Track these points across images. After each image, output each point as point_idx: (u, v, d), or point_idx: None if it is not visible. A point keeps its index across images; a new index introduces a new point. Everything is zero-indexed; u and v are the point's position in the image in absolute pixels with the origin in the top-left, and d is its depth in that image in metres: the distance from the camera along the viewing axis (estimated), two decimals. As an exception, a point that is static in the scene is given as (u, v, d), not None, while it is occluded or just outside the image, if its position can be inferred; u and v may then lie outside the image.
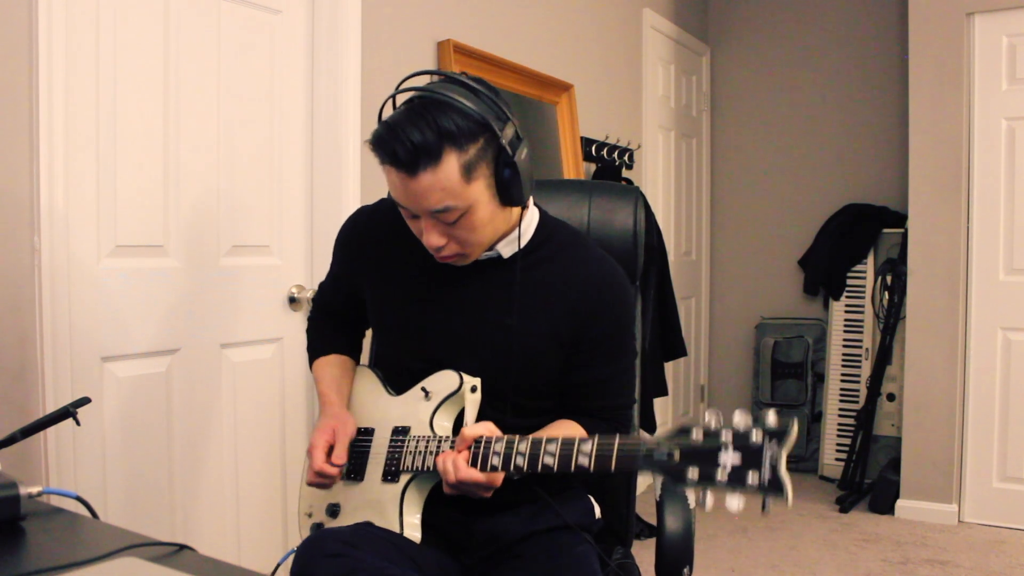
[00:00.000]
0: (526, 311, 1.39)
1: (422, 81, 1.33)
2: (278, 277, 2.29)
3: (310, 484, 1.44)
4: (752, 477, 1.03)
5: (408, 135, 1.22)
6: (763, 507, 1.03)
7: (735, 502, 1.04)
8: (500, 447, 1.26)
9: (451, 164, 1.24)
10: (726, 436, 1.06)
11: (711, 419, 1.09)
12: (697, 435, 1.07)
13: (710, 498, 1.07)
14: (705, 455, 1.07)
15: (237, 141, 2.15)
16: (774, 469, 1.03)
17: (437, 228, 1.31)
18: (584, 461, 1.20)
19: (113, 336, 1.88)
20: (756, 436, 1.04)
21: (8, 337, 1.66)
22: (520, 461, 1.24)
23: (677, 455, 1.08)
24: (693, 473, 1.07)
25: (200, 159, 2.06)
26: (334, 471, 1.40)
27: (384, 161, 1.27)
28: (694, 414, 4.67)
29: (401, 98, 1.32)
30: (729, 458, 1.05)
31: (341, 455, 1.41)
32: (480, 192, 1.29)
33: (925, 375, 3.63)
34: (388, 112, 1.31)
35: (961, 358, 3.59)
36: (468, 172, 1.26)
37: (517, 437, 1.26)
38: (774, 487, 1.03)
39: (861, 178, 4.43)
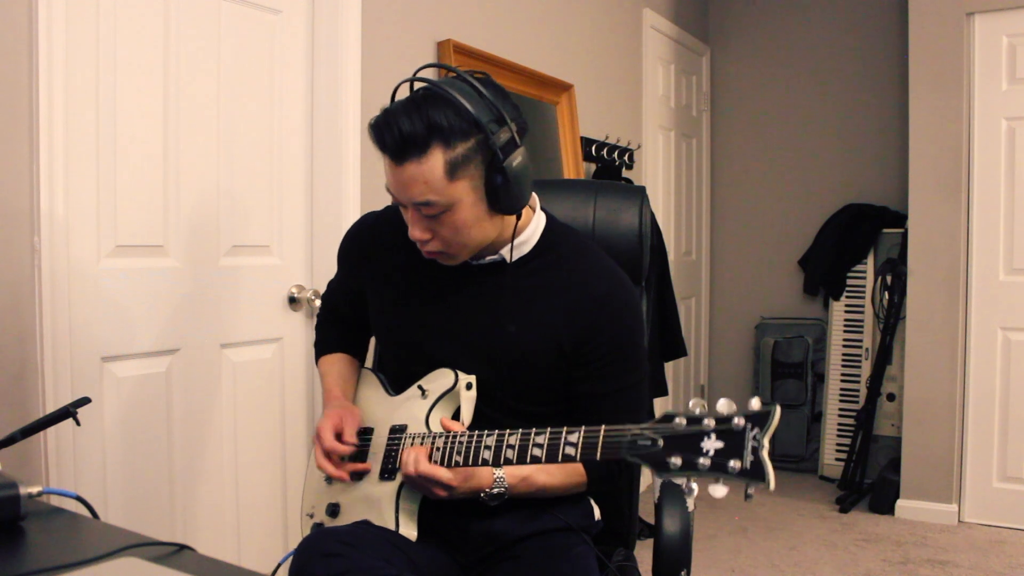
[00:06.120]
0: (526, 317, 1.39)
1: (437, 74, 1.34)
2: (278, 277, 2.29)
3: (320, 468, 1.44)
4: (734, 463, 1.03)
5: (399, 124, 1.26)
6: (745, 494, 1.03)
7: (718, 489, 1.05)
8: (491, 440, 1.27)
9: (436, 159, 1.26)
10: (708, 422, 1.06)
11: (696, 407, 1.09)
12: (681, 422, 1.08)
13: (695, 486, 1.08)
14: (688, 442, 1.07)
15: (237, 141, 2.15)
16: (755, 453, 1.03)
17: (421, 221, 1.33)
18: (571, 451, 1.20)
19: (113, 336, 1.88)
20: (738, 422, 1.05)
21: (8, 337, 1.66)
22: (511, 454, 1.25)
23: (661, 442, 1.09)
24: (676, 460, 1.07)
25: (200, 159, 2.06)
26: (345, 449, 1.42)
27: (375, 146, 1.30)
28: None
29: (417, 86, 1.34)
30: (712, 444, 1.05)
31: (351, 437, 1.43)
32: (464, 192, 1.29)
33: (925, 375, 3.63)
34: (401, 96, 1.33)
35: (961, 358, 3.59)
36: (453, 170, 1.27)
37: (507, 431, 1.26)
38: (755, 473, 1.02)
39: (861, 178, 4.43)
